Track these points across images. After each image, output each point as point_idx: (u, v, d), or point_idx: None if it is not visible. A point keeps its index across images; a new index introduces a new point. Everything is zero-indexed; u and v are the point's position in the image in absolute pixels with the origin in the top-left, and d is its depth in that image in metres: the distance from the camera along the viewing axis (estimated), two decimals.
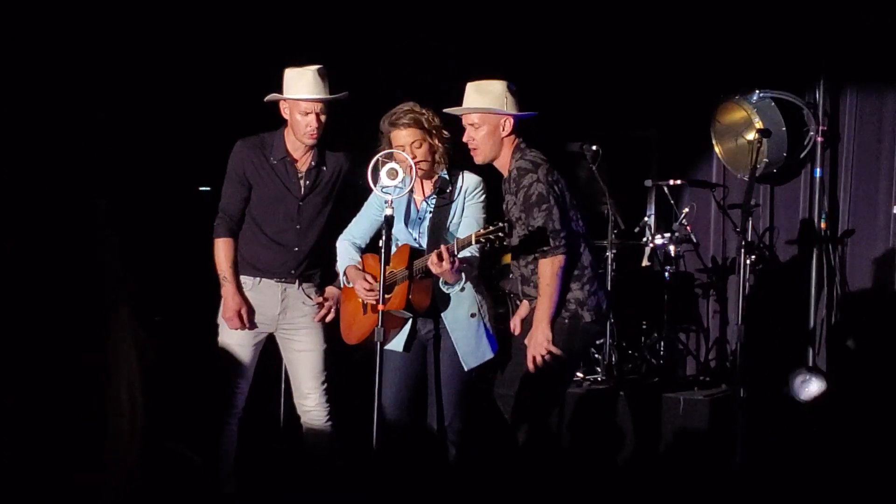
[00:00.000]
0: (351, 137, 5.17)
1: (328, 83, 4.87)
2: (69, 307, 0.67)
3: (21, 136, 0.68)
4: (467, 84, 4.77)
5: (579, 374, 6.49)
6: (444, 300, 4.74)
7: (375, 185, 4.54)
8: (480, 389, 5.05)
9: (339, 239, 4.94)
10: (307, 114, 4.84)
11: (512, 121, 4.66)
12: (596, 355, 6.74)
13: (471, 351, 4.74)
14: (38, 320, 0.65)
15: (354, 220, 4.95)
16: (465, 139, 4.72)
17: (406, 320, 4.78)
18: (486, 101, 4.67)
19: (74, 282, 0.68)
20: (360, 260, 4.88)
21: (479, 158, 4.72)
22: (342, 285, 4.96)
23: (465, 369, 4.72)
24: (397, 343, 4.79)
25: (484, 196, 4.80)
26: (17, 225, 0.66)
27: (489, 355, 4.81)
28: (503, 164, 4.73)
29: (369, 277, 4.76)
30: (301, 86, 4.84)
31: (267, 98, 4.94)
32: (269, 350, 5.12)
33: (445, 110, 4.78)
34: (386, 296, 4.67)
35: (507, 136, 4.68)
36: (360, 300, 4.86)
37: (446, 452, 4.80)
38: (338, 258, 4.92)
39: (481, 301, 4.80)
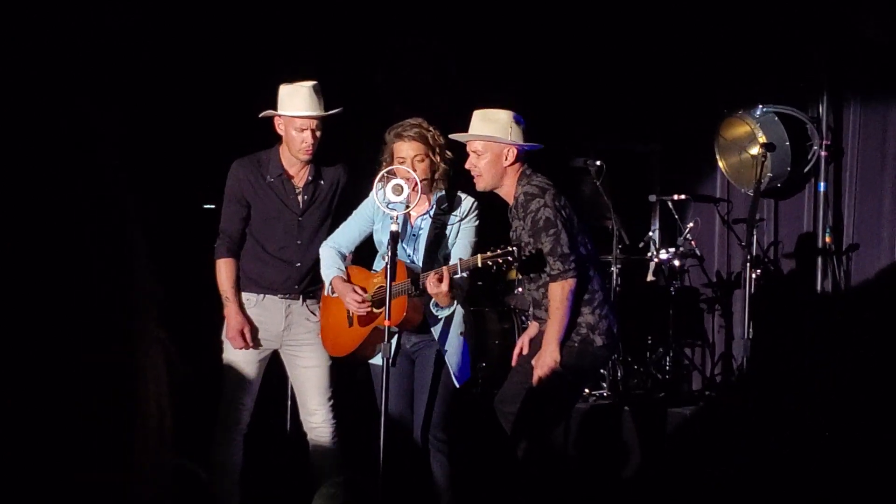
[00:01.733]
0: (350, 137, 5.17)
1: (322, 99, 4.89)
2: (98, 310, 0.67)
3: (41, 139, 0.68)
4: (474, 111, 4.81)
5: (585, 390, 6.49)
6: (436, 316, 4.78)
7: (381, 203, 4.57)
8: (475, 402, 5.06)
9: (324, 245, 4.90)
10: (303, 130, 4.86)
11: (515, 150, 4.70)
12: (601, 370, 6.74)
13: (460, 366, 4.78)
14: (66, 321, 0.66)
15: (342, 226, 4.93)
16: (467, 165, 4.76)
17: (392, 335, 4.81)
18: (490, 129, 4.71)
19: (105, 284, 0.68)
20: (346, 270, 4.89)
21: (480, 186, 4.76)
22: (325, 293, 4.96)
23: (458, 385, 4.76)
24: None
25: (477, 221, 4.83)
26: (46, 225, 0.66)
27: (468, 375, 4.90)
28: (508, 193, 4.76)
29: (359, 289, 4.77)
30: (296, 102, 4.86)
31: (262, 115, 4.96)
32: (276, 366, 5.12)
33: (451, 136, 4.82)
34: (377, 310, 4.70)
35: (509, 165, 4.72)
36: (346, 313, 4.86)
37: (436, 463, 4.82)
38: (322, 265, 4.89)
39: (469, 321, 4.86)
